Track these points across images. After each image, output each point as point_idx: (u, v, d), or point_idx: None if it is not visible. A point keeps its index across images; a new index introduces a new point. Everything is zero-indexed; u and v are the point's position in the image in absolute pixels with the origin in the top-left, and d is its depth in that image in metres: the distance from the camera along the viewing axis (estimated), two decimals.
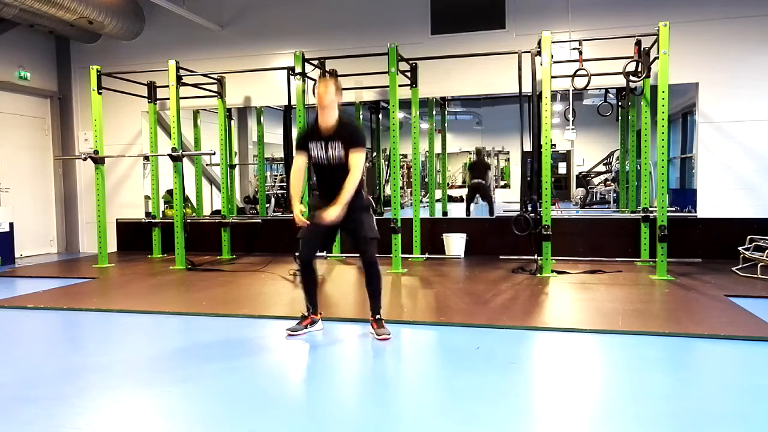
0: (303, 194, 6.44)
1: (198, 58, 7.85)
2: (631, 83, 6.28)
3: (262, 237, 7.82)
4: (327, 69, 6.79)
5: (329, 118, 3.59)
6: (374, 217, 3.77)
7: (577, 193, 13.61)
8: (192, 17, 7.55)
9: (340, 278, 6.07)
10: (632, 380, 2.95)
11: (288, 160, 7.64)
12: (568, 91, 6.51)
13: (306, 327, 3.80)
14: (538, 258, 5.86)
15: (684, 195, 9.41)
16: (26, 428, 2.45)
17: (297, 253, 6.62)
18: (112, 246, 8.21)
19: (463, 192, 13.82)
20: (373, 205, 3.81)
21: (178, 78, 6.79)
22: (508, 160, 17.36)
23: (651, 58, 5.87)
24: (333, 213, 3.45)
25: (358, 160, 3.53)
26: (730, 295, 4.71)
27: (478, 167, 10.20)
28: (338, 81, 3.68)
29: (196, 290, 5.42)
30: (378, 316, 3.73)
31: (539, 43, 5.75)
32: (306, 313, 3.84)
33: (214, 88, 7.55)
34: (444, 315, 4.27)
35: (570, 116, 7.25)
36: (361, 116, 8.61)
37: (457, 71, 7.16)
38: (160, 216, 7.99)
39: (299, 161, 3.71)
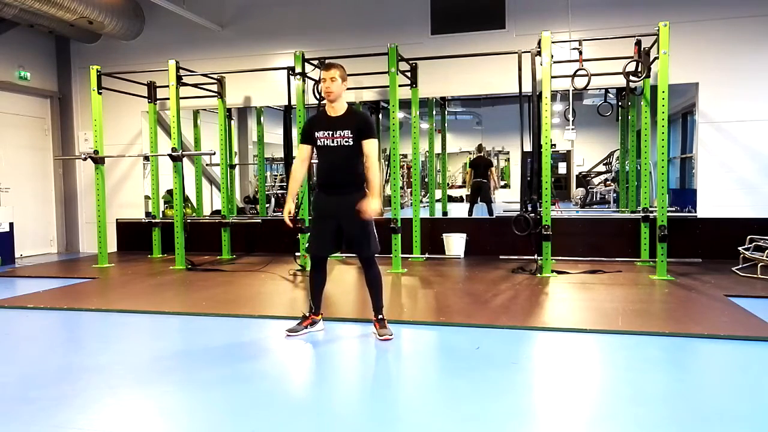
0: (300, 195, 6.46)
1: (198, 58, 7.85)
2: (631, 83, 6.28)
3: (262, 237, 7.82)
4: None
5: (339, 108, 3.61)
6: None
7: (577, 193, 13.62)
8: (192, 17, 7.54)
9: (340, 278, 6.07)
10: (632, 380, 2.95)
11: (288, 160, 7.64)
12: (568, 91, 6.51)
13: (306, 327, 3.79)
14: (538, 258, 5.86)
15: (684, 195, 9.41)
16: (26, 428, 2.45)
17: (297, 253, 6.63)
18: (112, 246, 8.21)
19: (463, 192, 13.83)
20: None
21: (178, 78, 6.79)
22: (508, 160, 17.39)
23: (651, 58, 5.87)
24: (374, 205, 3.44)
25: (373, 148, 3.53)
26: (730, 295, 4.71)
27: (480, 165, 9.78)
28: (342, 67, 3.61)
29: (196, 290, 5.42)
30: (381, 316, 3.73)
31: (539, 43, 5.75)
32: (306, 313, 3.84)
33: (214, 88, 7.55)
34: (444, 315, 4.27)
35: (570, 116, 7.25)
36: None
37: (457, 71, 7.15)
38: (160, 216, 7.99)
39: (303, 152, 3.67)
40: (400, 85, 6.36)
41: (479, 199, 9.75)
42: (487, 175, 9.68)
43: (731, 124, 6.58)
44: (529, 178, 6.04)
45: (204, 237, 7.76)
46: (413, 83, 6.87)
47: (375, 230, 3.68)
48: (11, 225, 7.37)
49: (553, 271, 5.80)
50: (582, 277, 5.71)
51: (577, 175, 14.30)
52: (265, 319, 4.27)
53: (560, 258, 6.58)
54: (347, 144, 3.54)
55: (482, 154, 10.43)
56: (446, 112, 9.52)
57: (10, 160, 7.97)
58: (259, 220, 7.96)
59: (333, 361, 3.42)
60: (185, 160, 7.23)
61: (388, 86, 6.32)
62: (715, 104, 6.60)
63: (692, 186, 8.41)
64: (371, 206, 3.46)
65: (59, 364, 3.38)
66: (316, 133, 3.61)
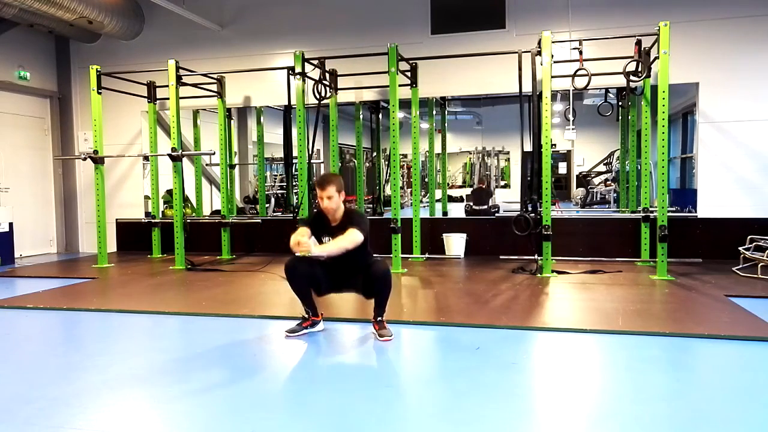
0: (300, 195, 6.48)
1: (198, 58, 7.85)
2: (631, 83, 6.28)
3: (262, 237, 7.82)
4: (327, 69, 6.78)
5: (338, 217, 3.73)
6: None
7: (577, 193, 13.60)
8: (192, 17, 7.54)
9: None
10: (632, 380, 2.95)
11: (288, 160, 7.64)
12: (568, 91, 6.51)
13: (306, 328, 3.79)
14: (538, 258, 5.86)
15: (684, 195, 9.40)
16: (26, 428, 2.44)
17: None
18: (111, 246, 8.21)
19: (463, 192, 13.88)
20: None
21: (178, 78, 6.79)
22: (508, 160, 17.36)
23: (651, 58, 5.87)
24: (312, 247, 3.49)
25: (351, 232, 3.56)
26: (731, 295, 4.71)
27: (481, 193, 10.39)
28: (337, 179, 3.71)
29: (196, 290, 5.42)
30: (380, 318, 3.73)
31: (539, 43, 5.75)
32: (306, 315, 3.84)
33: (214, 88, 7.55)
34: (444, 315, 4.27)
35: (570, 116, 7.25)
36: (361, 116, 8.60)
37: (457, 71, 7.15)
38: (160, 216, 7.99)
39: (304, 232, 3.65)
40: (400, 85, 6.36)
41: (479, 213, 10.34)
42: (487, 203, 10.33)
43: (731, 124, 6.57)
44: (529, 178, 6.04)
45: (204, 237, 7.76)
46: (413, 83, 6.87)
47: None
48: (11, 225, 7.37)
49: (553, 271, 5.79)
50: (582, 277, 5.71)
51: (577, 175, 14.26)
52: (265, 319, 4.28)
53: (560, 258, 6.58)
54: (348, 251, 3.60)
55: (483, 186, 11.41)
56: (446, 112, 9.51)
57: (10, 160, 7.97)
58: (259, 220, 7.95)
59: (333, 361, 3.42)
60: (185, 160, 7.23)
61: (388, 86, 6.31)
62: (715, 104, 6.60)
63: (692, 186, 8.39)
64: (312, 246, 3.50)
65: (59, 364, 3.38)
66: (321, 237, 3.74)
